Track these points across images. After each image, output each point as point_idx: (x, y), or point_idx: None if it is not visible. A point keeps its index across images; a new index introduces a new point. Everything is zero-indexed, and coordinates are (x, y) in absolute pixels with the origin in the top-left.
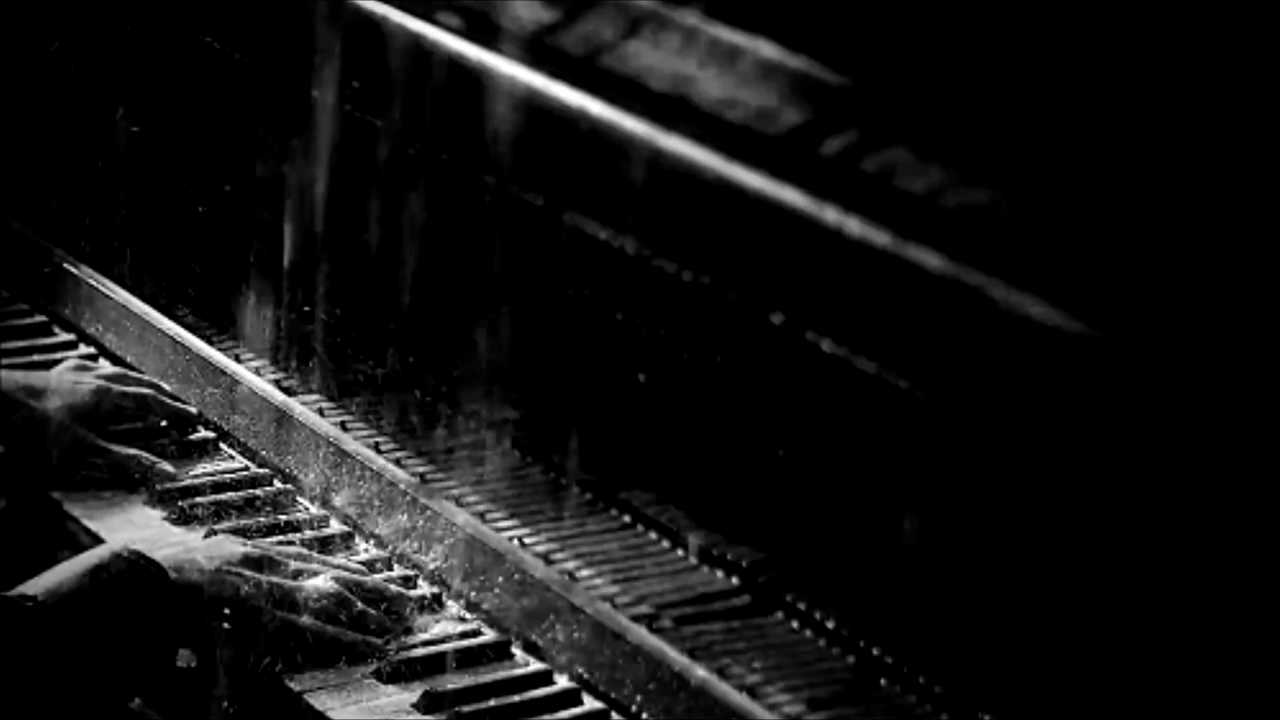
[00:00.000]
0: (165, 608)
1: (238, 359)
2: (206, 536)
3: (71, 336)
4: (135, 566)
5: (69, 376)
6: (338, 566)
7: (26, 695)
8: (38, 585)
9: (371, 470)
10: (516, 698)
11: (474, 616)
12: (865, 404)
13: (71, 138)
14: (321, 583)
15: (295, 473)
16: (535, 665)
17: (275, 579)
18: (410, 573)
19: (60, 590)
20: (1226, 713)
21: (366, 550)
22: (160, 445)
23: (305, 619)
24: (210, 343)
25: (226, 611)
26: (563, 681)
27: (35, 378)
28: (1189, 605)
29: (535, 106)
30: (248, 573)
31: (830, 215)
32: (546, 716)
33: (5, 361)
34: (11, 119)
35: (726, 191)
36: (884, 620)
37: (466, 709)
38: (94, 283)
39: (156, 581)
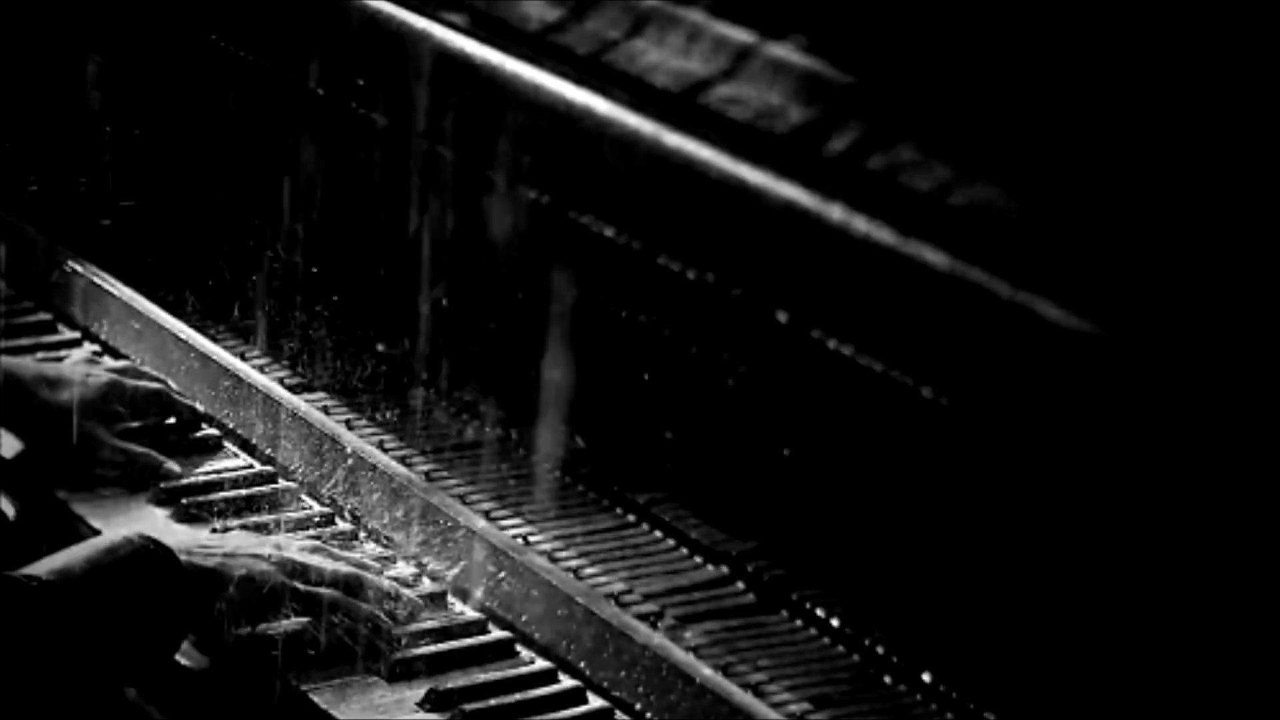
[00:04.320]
0: (174, 591)
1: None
2: (211, 534)
3: (76, 334)
4: (145, 550)
5: (81, 369)
6: (349, 561)
7: (25, 675)
8: (45, 566)
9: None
10: (521, 695)
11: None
12: (871, 402)
13: (75, 134)
14: (337, 565)
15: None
16: (540, 664)
17: (290, 556)
18: (414, 570)
19: (68, 571)
20: (1226, 713)
21: (370, 548)
22: (166, 442)
23: (324, 590)
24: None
25: (234, 592)
26: (567, 679)
27: (49, 368)
28: (1191, 605)
29: (541, 105)
30: (263, 551)
31: (836, 213)
32: (551, 715)
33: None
34: (14, 116)
35: (731, 189)
36: (888, 619)
37: (471, 707)
38: (99, 280)
39: (166, 565)
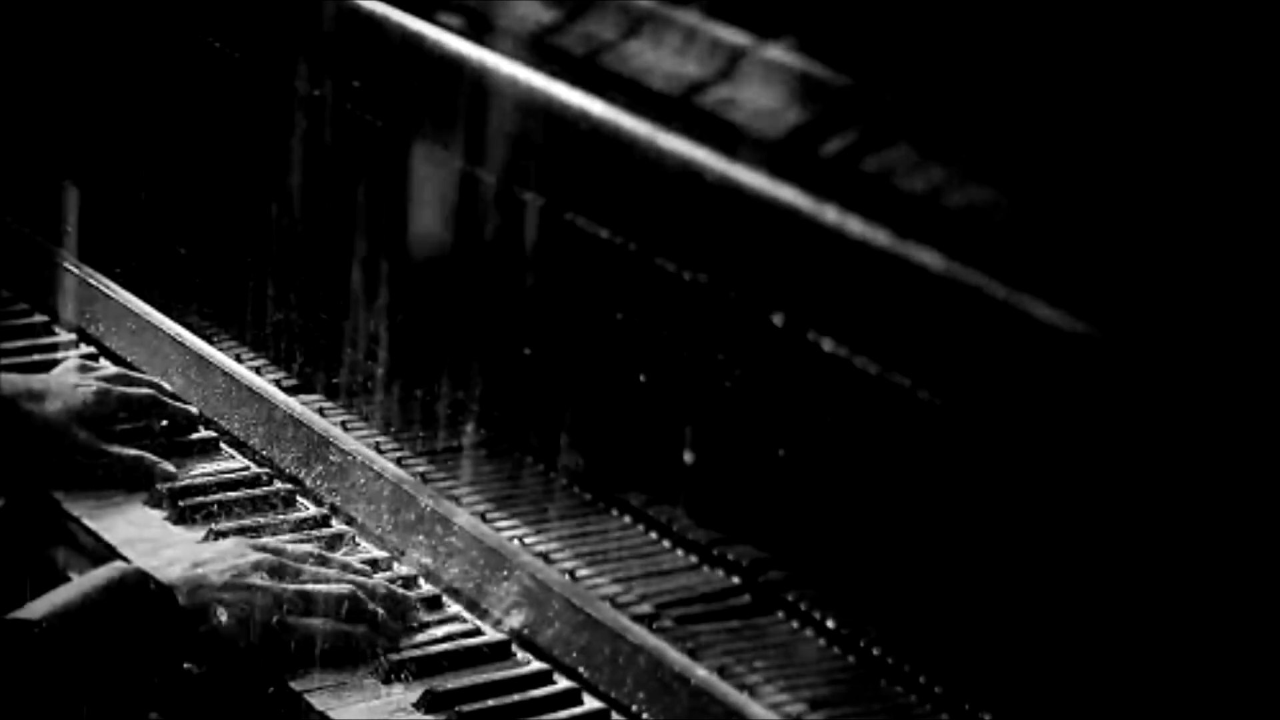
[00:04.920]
0: (173, 629)
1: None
2: (207, 536)
3: (72, 336)
4: (141, 589)
5: (69, 379)
6: (345, 565)
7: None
8: (41, 608)
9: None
10: (517, 697)
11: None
12: (866, 403)
13: (73, 135)
14: (334, 587)
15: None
16: (536, 665)
17: (289, 585)
18: (412, 571)
19: (64, 613)
20: (1226, 713)
21: (368, 549)
22: (161, 444)
23: (319, 622)
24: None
25: (237, 625)
26: (563, 681)
27: (35, 381)
28: (1188, 605)
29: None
30: (259, 582)
31: (831, 215)
32: (547, 716)
33: (5, 362)
34: (11, 117)
35: (727, 191)
36: (884, 620)
37: (467, 708)
38: (94, 282)
39: (163, 604)
